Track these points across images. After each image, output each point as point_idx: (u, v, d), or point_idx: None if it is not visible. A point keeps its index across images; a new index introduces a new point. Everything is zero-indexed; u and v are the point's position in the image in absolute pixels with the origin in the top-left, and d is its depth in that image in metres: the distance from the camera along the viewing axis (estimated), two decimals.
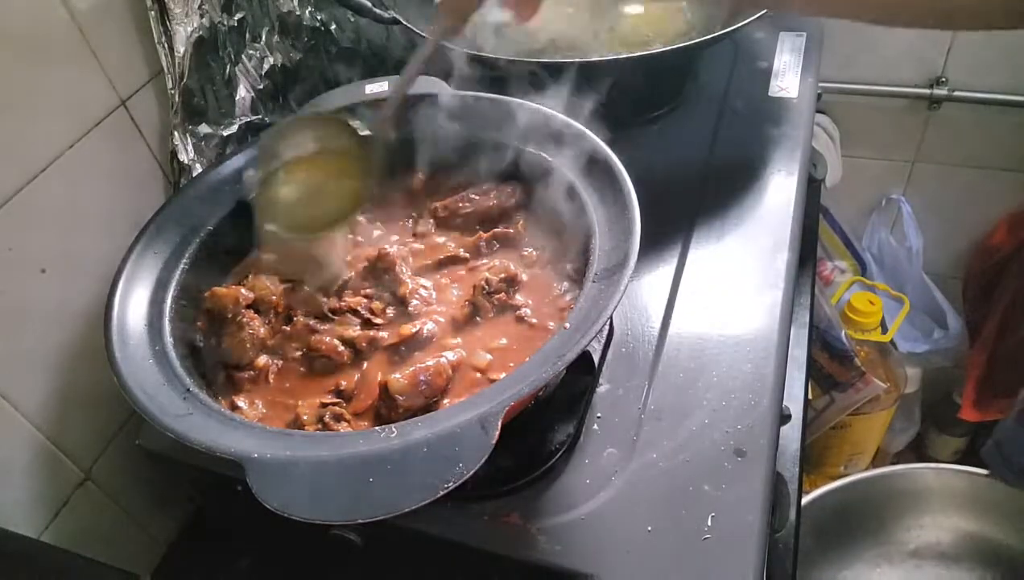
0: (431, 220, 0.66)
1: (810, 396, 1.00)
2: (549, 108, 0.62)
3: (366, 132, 0.57)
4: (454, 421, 0.41)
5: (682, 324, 0.63)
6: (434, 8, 0.93)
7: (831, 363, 1.18)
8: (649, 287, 0.67)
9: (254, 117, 0.76)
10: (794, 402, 0.75)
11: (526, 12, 0.55)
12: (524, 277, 0.58)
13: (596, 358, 0.60)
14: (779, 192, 0.75)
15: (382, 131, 0.57)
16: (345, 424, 0.49)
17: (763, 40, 0.98)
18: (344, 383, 0.53)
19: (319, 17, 0.86)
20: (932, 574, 1.18)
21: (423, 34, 0.83)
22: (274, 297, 0.58)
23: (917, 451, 1.50)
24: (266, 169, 0.57)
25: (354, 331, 0.56)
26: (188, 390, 0.48)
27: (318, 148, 0.57)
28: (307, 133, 0.57)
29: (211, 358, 0.56)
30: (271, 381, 0.55)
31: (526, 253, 0.61)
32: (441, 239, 0.64)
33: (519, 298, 0.57)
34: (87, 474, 0.63)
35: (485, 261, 0.61)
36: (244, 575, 0.70)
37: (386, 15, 0.83)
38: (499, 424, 0.40)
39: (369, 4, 0.83)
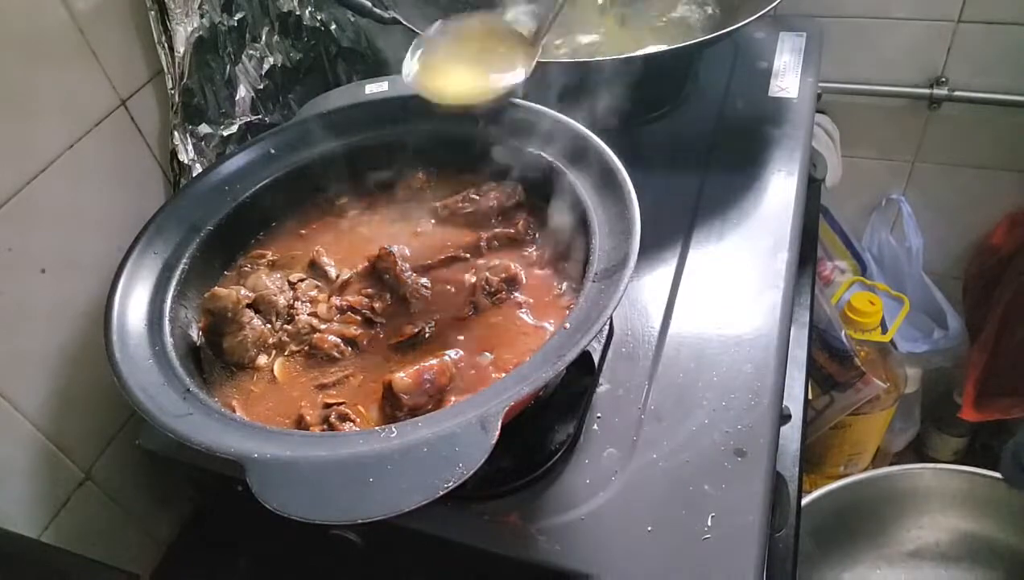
0: (432, 220, 0.66)
1: (810, 396, 1.00)
2: (549, 108, 0.62)
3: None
4: (454, 421, 0.41)
5: (682, 324, 0.63)
6: (434, 7, 0.93)
7: (831, 363, 1.18)
8: (649, 287, 0.67)
9: (254, 117, 0.76)
10: (794, 402, 0.75)
11: None
12: (524, 277, 0.58)
13: (596, 358, 0.60)
14: (779, 192, 0.75)
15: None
16: (350, 424, 0.49)
17: (763, 40, 0.98)
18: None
19: (319, 17, 0.86)
20: (932, 575, 1.18)
21: (422, 34, 0.83)
22: (275, 296, 0.58)
23: (917, 451, 1.50)
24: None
25: (355, 330, 0.56)
26: (188, 390, 0.48)
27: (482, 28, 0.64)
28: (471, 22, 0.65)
29: (211, 358, 0.56)
30: (272, 381, 0.55)
31: (526, 253, 0.61)
32: (442, 239, 0.64)
33: (519, 298, 0.57)
34: (87, 474, 0.63)
35: (485, 261, 0.61)
36: (244, 575, 0.70)
37: (386, 15, 0.83)
38: (499, 424, 0.40)
39: (369, 4, 0.83)
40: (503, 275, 0.57)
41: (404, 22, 0.82)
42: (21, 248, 0.55)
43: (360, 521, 0.38)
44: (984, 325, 1.28)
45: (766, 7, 0.77)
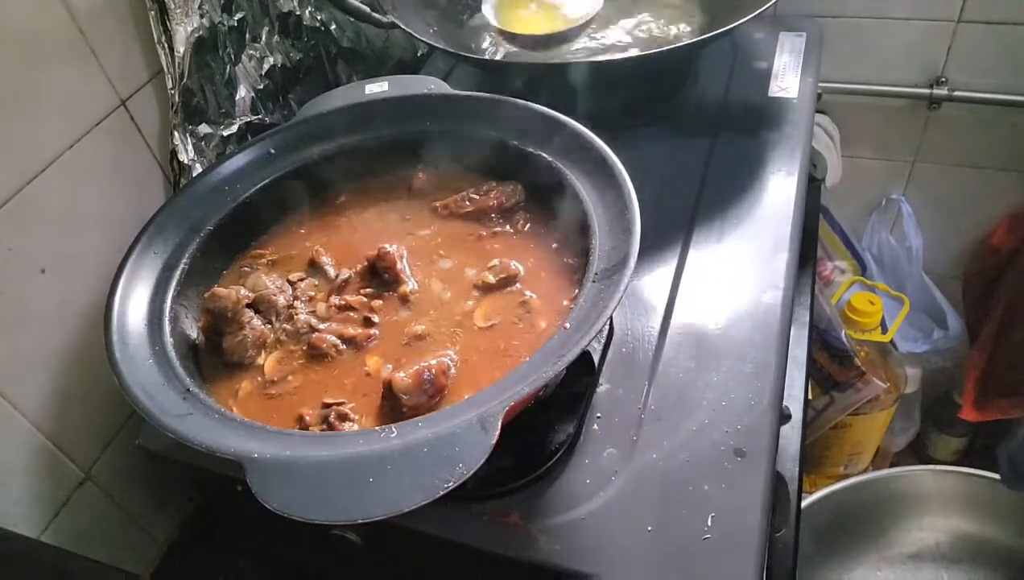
0: (432, 219, 0.66)
1: (810, 396, 1.00)
2: (549, 108, 0.62)
3: None
4: (454, 421, 0.41)
5: (682, 324, 0.63)
6: (432, 11, 0.93)
7: (831, 363, 1.18)
8: (649, 287, 0.67)
9: (254, 117, 0.76)
10: (794, 402, 0.75)
11: None
12: (524, 276, 0.58)
13: (596, 358, 0.60)
14: (779, 192, 0.75)
15: None
16: (351, 424, 0.49)
17: (763, 40, 0.98)
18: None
19: (319, 17, 0.86)
20: (932, 576, 1.18)
21: (422, 38, 0.83)
22: (275, 296, 0.58)
23: (917, 451, 1.50)
24: None
25: (354, 330, 0.56)
26: (188, 390, 0.48)
27: None
28: None
29: (211, 358, 0.56)
30: (272, 380, 0.55)
31: (526, 253, 0.61)
32: (441, 238, 0.64)
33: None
34: (87, 474, 0.63)
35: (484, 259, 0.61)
36: (244, 575, 0.70)
37: (384, 19, 0.83)
38: (499, 424, 0.40)
39: (367, 9, 0.83)
40: (503, 275, 0.57)
41: (403, 27, 0.82)
42: (21, 248, 0.55)
43: (360, 521, 0.38)
44: (984, 325, 1.28)
45: (763, 5, 0.78)
